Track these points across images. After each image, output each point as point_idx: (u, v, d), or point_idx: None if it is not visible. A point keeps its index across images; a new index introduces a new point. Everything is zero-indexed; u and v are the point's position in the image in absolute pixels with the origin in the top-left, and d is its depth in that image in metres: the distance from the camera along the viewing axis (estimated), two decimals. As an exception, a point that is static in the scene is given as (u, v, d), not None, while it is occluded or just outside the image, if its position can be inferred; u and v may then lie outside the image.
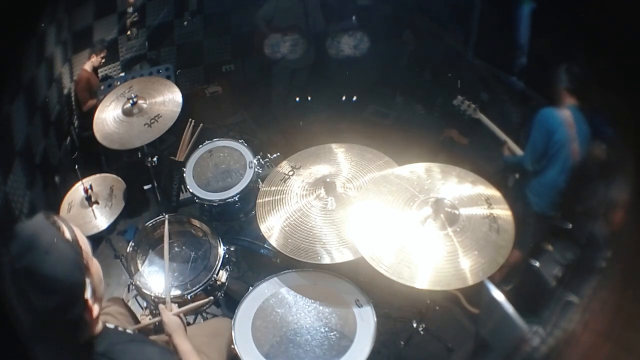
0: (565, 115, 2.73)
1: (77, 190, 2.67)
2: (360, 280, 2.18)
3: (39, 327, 1.12)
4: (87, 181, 2.64)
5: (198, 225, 2.70)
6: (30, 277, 1.04)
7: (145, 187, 3.76)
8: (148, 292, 2.37)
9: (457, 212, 1.95)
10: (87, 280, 1.14)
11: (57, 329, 1.14)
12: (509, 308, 2.58)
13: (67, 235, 1.14)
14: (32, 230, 1.10)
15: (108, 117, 2.78)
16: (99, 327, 1.28)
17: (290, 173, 2.46)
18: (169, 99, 2.81)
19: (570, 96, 2.74)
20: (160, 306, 1.88)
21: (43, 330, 1.13)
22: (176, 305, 1.95)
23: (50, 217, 1.16)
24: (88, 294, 1.14)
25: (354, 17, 4.88)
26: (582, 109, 2.74)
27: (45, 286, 1.05)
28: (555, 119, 2.75)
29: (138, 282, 2.43)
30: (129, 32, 4.50)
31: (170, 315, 1.81)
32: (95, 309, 1.19)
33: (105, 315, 1.90)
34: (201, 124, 3.07)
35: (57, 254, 1.08)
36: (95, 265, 1.22)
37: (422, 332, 2.61)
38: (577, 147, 2.74)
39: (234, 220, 2.93)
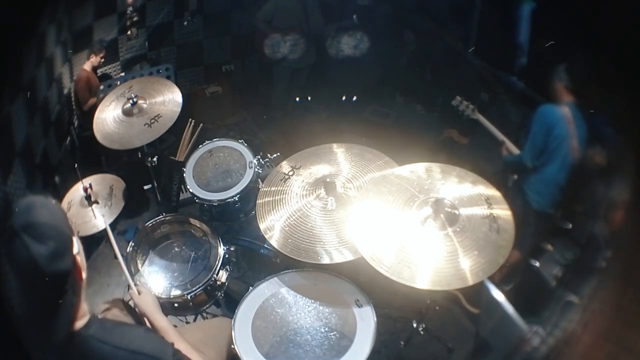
0: (564, 111, 2.74)
1: (77, 190, 2.67)
2: (360, 280, 2.18)
3: (34, 290, 1.25)
4: (87, 181, 2.64)
5: (198, 225, 2.70)
6: (30, 228, 1.20)
7: (145, 187, 3.76)
8: (148, 292, 2.37)
9: (457, 212, 1.94)
10: (74, 238, 1.31)
11: (51, 287, 1.25)
12: (509, 308, 2.58)
13: (54, 202, 1.36)
14: (29, 199, 1.30)
15: (108, 117, 2.78)
16: (85, 307, 1.37)
17: (290, 173, 2.46)
18: (169, 99, 2.81)
19: (569, 94, 2.75)
20: (130, 291, 1.90)
21: (39, 292, 1.25)
22: (144, 286, 1.98)
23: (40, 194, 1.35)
24: (75, 250, 1.30)
25: (354, 16, 4.88)
26: (580, 106, 2.74)
27: (43, 232, 1.21)
28: (555, 115, 2.75)
29: (138, 282, 2.43)
30: (129, 32, 4.50)
31: (139, 297, 1.84)
32: (83, 274, 1.33)
33: (105, 313, 1.92)
34: (201, 124, 3.07)
35: (51, 208, 1.29)
36: (77, 238, 1.36)
37: (422, 332, 2.61)
38: (576, 144, 2.74)
39: (234, 220, 2.93)
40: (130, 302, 2.01)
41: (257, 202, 2.37)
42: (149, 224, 2.67)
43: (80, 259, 1.33)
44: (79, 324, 1.35)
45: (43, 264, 1.19)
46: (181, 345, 1.64)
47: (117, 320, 1.74)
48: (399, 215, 1.99)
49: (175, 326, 1.84)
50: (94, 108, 3.14)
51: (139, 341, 1.42)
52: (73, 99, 4.07)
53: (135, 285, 1.92)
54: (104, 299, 2.19)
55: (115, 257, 2.02)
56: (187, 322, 2.64)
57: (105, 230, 2.54)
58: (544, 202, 2.91)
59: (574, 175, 2.81)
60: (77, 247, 1.31)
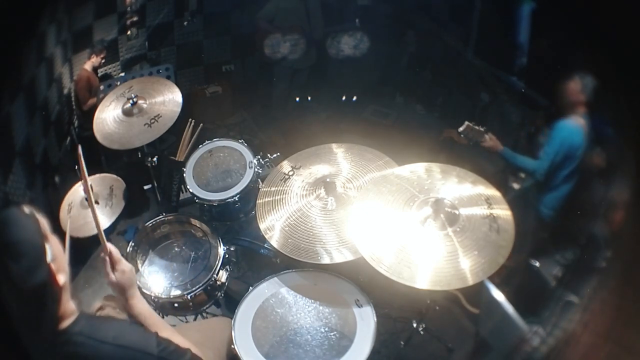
0: (584, 126, 2.68)
1: (77, 191, 2.67)
2: (360, 280, 2.18)
3: (20, 303, 1.31)
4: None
5: (198, 225, 2.70)
6: (4, 247, 1.27)
7: (145, 187, 3.76)
8: (148, 292, 2.37)
9: (457, 212, 1.95)
10: (47, 246, 1.33)
11: (32, 299, 1.30)
12: (509, 308, 2.58)
13: (26, 211, 1.37)
14: (0, 216, 1.34)
15: (108, 117, 2.78)
16: (71, 306, 1.41)
17: (290, 173, 2.46)
18: (169, 99, 2.81)
19: (585, 107, 2.70)
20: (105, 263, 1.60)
21: (23, 307, 1.32)
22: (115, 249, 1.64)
23: (15, 204, 1.37)
24: (49, 258, 1.32)
25: (357, 20, 4.88)
26: (591, 116, 2.70)
27: (16, 251, 1.26)
28: (580, 134, 2.67)
29: (138, 283, 2.43)
30: (129, 32, 4.50)
31: (116, 275, 1.58)
32: (60, 278, 1.35)
33: (99, 312, 1.93)
34: (201, 124, 3.07)
35: (21, 222, 1.32)
36: (54, 239, 1.40)
37: (422, 332, 2.61)
38: (589, 154, 2.72)
39: (234, 220, 2.93)
40: None
41: (257, 202, 2.37)
42: (149, 224, 2.67)
43: (56, 264, 1.35)
44: (66, 322, 1.39)
45: (19, 281, 1.25)
46: (166, 332, 1.61)
47: (105, 316, 1.79)
48: (399, 215, 1.99)
49: (173, 326, 1.84)
50: (93, 108, 3.14)
51: (123, 334, 1.46)
52: (73, 99, 4.07)
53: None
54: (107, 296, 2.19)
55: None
56: (187, 322, 2.64)
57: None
58: (557, 215, 2.89)
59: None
60: (50, 254, 1.33)
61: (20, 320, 1.36)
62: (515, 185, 2.99)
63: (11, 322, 1.35)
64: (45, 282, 1.30)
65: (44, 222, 1.38)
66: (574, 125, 2.70)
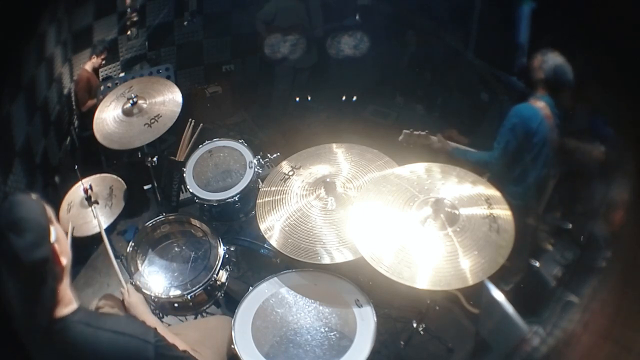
0: (543, 109, 2.57)
1: (77, 190, 2.67)
2: (360, 280, 2.18)
3: (20, 282, 1.35)
4: (87, 181, 2.64)
5: (198, 225, 2.70)
6: (11, 224, 1.32)
7: (145, 187, 3.77)
8: (148, 292, 2.37)
9: (457, 212, 1.95)
10: (52, 228, 1.39)
11: (33, 276, 1.34)
12: (509, 308, 2.58)
13: (34, 197, 1.45)
14: (9, 198, 1.42)
15: (108, 117, 2.78)
16: (69, 294, 1.44)
17: (290, 173, 2.46)
18: (169, 99, 2.82)
19: (546, 88, 2.61)
20: (121, 290, 1.94)
21: (23, 285, 1.35)
22: (133, 287, 2.04)
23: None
24: (52, 238, 1.37)
25: (357, 16, 4.88)
26: (553, 97, 2.60)
27: (21, 226, 1.32)
28: (536, 119, 2.55)
29: (138, 282, 2.43)
30: (129, 32, 4.50)
31: (129, 298, 1.88)
32: (63, 260, 1.41)
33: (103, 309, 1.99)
34: (201, 124, 3.07)
35: (27, 203, 1.39)
36: (58, 226, 1.46)
37: (422, 332, 2.61)
38: (556, 136, 2.60)
39: (234, 220, 2.93)
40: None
41: (257, 202, 2.37)
42: (149, 224, 2.67)
43: (60, 246, 1.40)
44: (66, 310, 1.41)
45: (22, 255, 1.30)
46: (174, 341, 1.65)
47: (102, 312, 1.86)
48: (399, 215, 1.99)
49: (169, 325, 1.87)
50: (92, 110, 3.14)
51: (121, 324, 1.50)
52: (73, 99, 4.07)
53: (127, 284, 1.99)
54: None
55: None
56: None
57: (105, 229, 2.56)
58: (525, 202, 2.80)
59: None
60: (54, 235, 1.38)
61: (19, 303, 1.38)
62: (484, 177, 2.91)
63: (9, 313, 1.36)
64: (47, 259, 1.34)
65: (49, 209, 1.44)
66: (529, 110, 2.57)
